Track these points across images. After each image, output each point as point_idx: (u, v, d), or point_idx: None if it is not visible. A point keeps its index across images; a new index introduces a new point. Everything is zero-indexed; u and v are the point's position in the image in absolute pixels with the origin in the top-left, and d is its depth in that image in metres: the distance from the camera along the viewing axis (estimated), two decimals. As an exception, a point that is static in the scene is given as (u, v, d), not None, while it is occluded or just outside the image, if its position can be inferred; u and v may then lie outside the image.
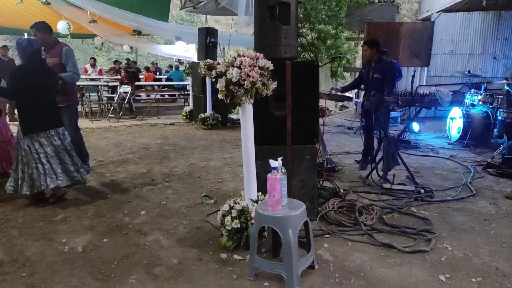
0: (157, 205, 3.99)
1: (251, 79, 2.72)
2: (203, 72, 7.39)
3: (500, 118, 6.68)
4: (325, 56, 11.03)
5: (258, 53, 2.85)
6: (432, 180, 4.81)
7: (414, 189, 4.34)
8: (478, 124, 6.78)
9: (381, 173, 4.62)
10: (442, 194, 4.28)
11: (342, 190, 4.01)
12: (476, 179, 4.85)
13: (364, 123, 5.16)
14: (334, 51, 11.22)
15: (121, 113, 9.72)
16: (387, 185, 4.42)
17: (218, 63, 2.87)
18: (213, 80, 2.90)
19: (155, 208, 3.91)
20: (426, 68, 9.51)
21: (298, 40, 10.37)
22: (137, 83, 10.79)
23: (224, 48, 11.67)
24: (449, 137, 7.31)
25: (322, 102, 9.92)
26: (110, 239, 3.22)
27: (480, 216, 3.63)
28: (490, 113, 6.79)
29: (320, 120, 5.37)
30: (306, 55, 11.51)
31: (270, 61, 2.86)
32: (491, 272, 2.58)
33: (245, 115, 2.95)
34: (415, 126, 8.05)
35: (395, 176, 4.56)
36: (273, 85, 2.92)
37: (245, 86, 2.73)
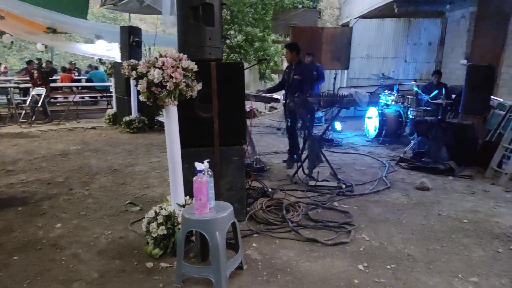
0: (75, 216, 3.70)
1: (174, 81, 2.65)
2: (126, 73, 7.04)
3: (411, 117, 7.37)
4: (253, 58, 11.23)
5: (181, 54, 2.79)
6: (352, 176, 5.13)
7: (336, 184, 4.58)
8: (392, 122, 7.40)
9: (306, 171, 4.81)
10: (361, 188, 4.58)
11: (270, 189, 4.10)
12: (390, 173, 5.28)
13: (290, 123, 5.34)
14: (262, 53, 11.45)
15: (34, 117, 8.87)
16: (312, 182, 4.62)
17: (139, 64, 2.75)
18: (134, 81, 2.77)
19: (73, 219, 3.63)
20: (346, 71, 10.13)
21: (226, 42, 10.44)
22: (52, 84, 9.93)
23: (150, 48, 11.30)
24: (367, 135, 7.86)
25: (251, 104, 10.08)
26: (21, 256, 2.92)
27: (394, 207, 3.95)
28: (402, 112, 7.46)
29: (249, 122, 5.50)
30: (234, 56, 11.62)
31: (194, 62, 2.81)
32: (404, 258, 2.83)
33: (170, 117, 2.87)
34: (338, 125, 8.55)
35: (320, 173, 4.78)
36: (198, 86, 2.88)
37: (168, 87, 2.65)
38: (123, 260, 2.87)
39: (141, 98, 2.74)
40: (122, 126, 8.15)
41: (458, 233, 3.23)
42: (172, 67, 2.64)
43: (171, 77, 2.63)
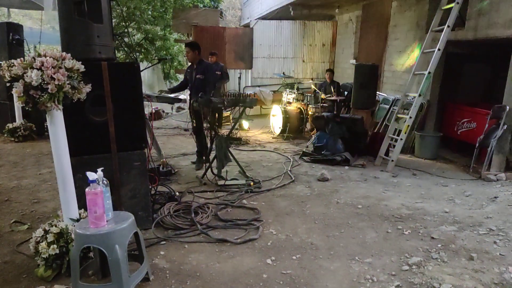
0: None
1: (56, 82, 2.37)
2: (6, 76, 6.18)
3: (310, 113, 7.86)
4: (155, 57, 10.82)
5: (64, 53, 2.51)
6: (260, 172, 5.26)
7: (245, 182, 4.64)
8: (294, 119, 7.79)
9: (215, 171, 4.78)
10: (269, 183, 4.72)
11: (177, 193, 3.97)
12: (295, 167, 5.54)
13: (195, 124, 5.25)
14: (164, 52, 11.09)
15: None
16: (221, 182, 4.61)
17: (13, 65, 2.41)
18: (8, 84, 2.42)
19: None
20: (250, 70, 10.37)
21: (124, 40, 9.84)
22: None
23: (35, 47, 10.12)
24: (273, 132, 8.16)
25: (156, 105, 9.67)
26: None
27: (298, 199, 4.15)
28: (302, 109, 7.89)
29: (154, 123, 5.26)
30: (134, 56, 11.05)
31: (81, 62, 2.56)
32: (308, 247, 2.97)
33: (54, 123, 2.57)
34: (245, 124, 8.71)
35: (228, 172, 4.79)
36: (87, 88, 2.63)
37: (49, 90, 2.36)
38: (9, 287, 2.50)
39: (18, 103, 2.41)
40: (5, 135, 7.15)
41: (354, 218, 3.52)
42: (54, 67, 2.37)
43: (53, 78, 2.35)
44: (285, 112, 7.72)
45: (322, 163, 5.74)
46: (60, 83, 2.38)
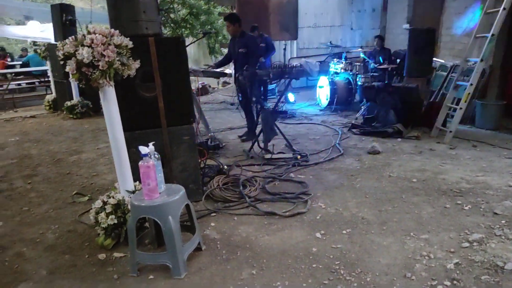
0: (17, 212, 3.42)
1: (106, 59, 2.42)
2: (59, 54, 6.50)
3: (360, 83, 7.53)
4: (200, 32, 10.83)
5: (112, 30, 2.55)
6: (307, 146, 5.17)
7: (292, 156, 4.59)
8: (342, 90, 7.51)
9: (262, 144, 4.77)
10: (316, 157, 4.63)
11: (226, 166, 4.01)
12: (343, 140, 5.38)
13: (241, 98, 5.23)
14: (208, 26, 11.06)
15: (-37, 109, 8.06)
16: (268, 156, 4.59)
17: (65, 43, 2.49)
18: (61, 62, 2.51)
19: (15, 216, 3.35)
20: (295, 41, 10.06)
21: (170, 16, 9.93)
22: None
23: (87, 27, 10.53)
24: (320, 104, 7.95)
25: (203, 80, 9.78)
26: (-44, 263, 2.65)
27: (348, 172, 4.03)
28: (351, 79, 7.58)
29: (202, 98, 5.32)
30: (180, 31, 11.15)
31: (129, 38, 2.59)
32: (358, 222, 2.89)
33: (107, 99, 2.65)
34: (291, 97, 8.56)
35: (275, 145, 4.76)
36: (136, 64, 2.67)
37: (100, 67, 2.42)
38: (73, 254, 2.70)
39: (72, 80, 2.50)
40: (64, 112, 7.63)
41: (408, 193, 3.36)
42: (103, 44, 2.41)
43: (103, 55, 2.40)
44: (332, 83, 7.45)
45: (373, 136, 5.51)
46: (110, 60, 2.43)
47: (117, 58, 2.48)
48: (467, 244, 2.42)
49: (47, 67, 9.14)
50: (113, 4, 2.99)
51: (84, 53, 2.36)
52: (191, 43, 4.33)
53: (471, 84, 5.06)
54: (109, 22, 3.07)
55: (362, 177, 3.86)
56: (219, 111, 7.95)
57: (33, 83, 10.87)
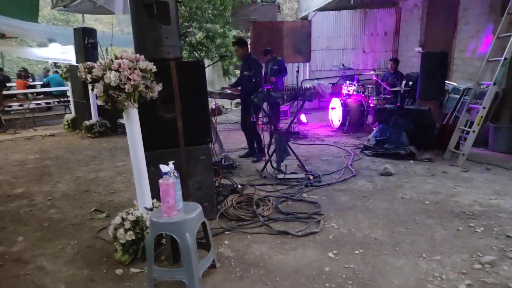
0: (38, 228, 3.55)
1: (132, 83, 2.58)
2: (83, 76, 6.77)
3: (372, 105, 7.61)
4: (216, 55, 11.14)
5: (138, 55, 2.72)
6: (319, 166, 5.23)
7: (304, 176, 4.65)
8: (354, 111, 7.59)
9: (275, 164, 4.85)
10: (328, 178, 4.68)
11: (239, 186, 4.10)
12: (356, 161, 5.43)
13: (255, 119, 5.36)
14: (223, 49, 11.37)
15: (-13, 127, 8.39)
16: (281, 176, 4.66)
17: (93, 67, 2.66)
18: (90, 86, 2.67)
19: (36, 231, 3.47)
20: (308, 64, 10.26)
21: (187, 39, 10.26)
22: (5, 92, 9.40)
23: (107, 49, 10.93)
24: (332, 125, 8.03)
25: (216, 101, 9.99)
26: (-20, 275, 2.76)
27: (360, 193, 4.07)
28: (363, 102, 7.67)
29: (214, 119, 5.49)
30: (195, 54, 11.47)
31: (153, 63, 2.75)
32: (371, 242, 2.92)
33: (131, 120, 2.79)
34: (303, 118, 8.68)
35: (288, 166, 4.84)
36: (158, 87, 2.82)
37: (126, 90, 2.58)
38: (91, 269, 2.78)
39: (98, 102, 2.66)
40: (83, 131, 7.87)
41: (421, 215, 3.38)
42: (129, 68, 2.57)
43: (129, 79, 2.56)
44: (344, 105, 7.55)
45: (385, 157, 5.55)
46: (135, 83, 2.59)
47: (142, 82, 2.63)
48: (479, 266, 2.43)
49: (67, 87, 9.49)
50: (138, 29, 3.17)
51: (111, 77, 2.52)
52: (208, 66, 4.48)
53: (484, 108, 5.09)
54: (133, 46, 3.25)
55: (374, 198, 3.89)
56: (233, 131, 8.09)
57: (50, 103, 11.22)
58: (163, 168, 2.42)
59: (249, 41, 10.35)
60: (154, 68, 2.74)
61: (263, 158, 5.37)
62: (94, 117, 7.86)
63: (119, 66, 2.57)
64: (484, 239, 2.82)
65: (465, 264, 2.48)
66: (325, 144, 6.64)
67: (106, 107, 2.70)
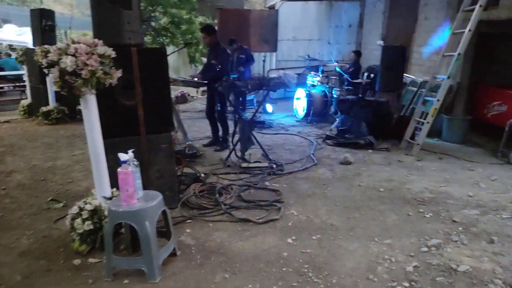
0: (-9, 218, 3.41)
1: (89, 68, 2.51)
2: (40, 60, 6.46)
3: (335, 96, 7.79)
4: (181, 41, 10.93)
5: (96, 40, 2.64)
6: (283, 155, 5.32)
7: (268, 165, 4.73)
8: (318, 102, 7.75)
9: (239, 153, 4.89)
10: (291, 166, 4.78)
11: (202, 175, 4.11)
12: (318, 150, 5.57)
13: (219, 107, 5.35)
14: (189, 36, 11.18)
15: None
16: (244, 164, 4.71)
17: (49, 51, 2.56)
18: (46, 70, 2.57)
19: (-11, 222, 3.33)
20: (274, 53, 10.31)
21: (151, 24, 9.98)
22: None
23: (66, 32, 10.44)
24: (297, 115, 8.16)
25: (182, 89, 9.82)
26: None
27: (320, 181, 4.20)
28: (327, 92, 7.84)
29: (181, 107, 5.45)
30: (161, 40, 11.22)
31: (112, 48, 2.69)
32: (328, 228, 3.05)
33: (88, 107, 2.72)
34: (269, 107, 8.75)
35: (252, 155, 4.90)
36: (118, 73, 2.76)
37: (83, 76, 2.51)
38: (48, 260, 2.72)
39: (55, 88, 2.57)
40: (40, 118, 7.53)
41: (375, 201, 3.56)
42: (87, 53, 2.50)
43: (86, 64, 2.49)
44: (309, 95, 7.68)
45: (346, 147, 5.73)
46: (93, 69, 2.52)
47: (100, 67, 2.56)
48: (425, 249, 2.61)
49: (23, 71, 9.01)
50: (98, 14, 3.07)
51: (67, 62, 2.44)
52: (172, 53, 4.44)
53: (438, 100, 5.37)
54: (92, 30, 3.15)
55: (333, 186, 4.03)
56: (197, 120, 8.02)
57: (4, 87, 10.61)
58: (122, 156, 2.40)
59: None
60: (113, 54, 2.67)
61: (226, 147, 5.40)
62: (52, 103, 7.53)
63: (76, 51, 2.49)
64: (431, 224, 3.02)
65: (413, 247, 2.66)
66: (289, 133, 6.75)
67: (63, 93, 2.62)
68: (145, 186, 3.29)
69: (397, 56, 6.02)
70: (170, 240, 2.68)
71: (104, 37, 2.91)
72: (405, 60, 6.29)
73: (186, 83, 5.03)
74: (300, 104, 8.00)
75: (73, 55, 2.49)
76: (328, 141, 6.03)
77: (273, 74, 10.42)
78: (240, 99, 8.37)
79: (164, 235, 2.76)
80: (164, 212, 2.64)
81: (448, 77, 5.33)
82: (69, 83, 2.53)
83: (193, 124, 7.57)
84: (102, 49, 2.60)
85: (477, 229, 2.84)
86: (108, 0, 3.00)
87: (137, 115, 3.23)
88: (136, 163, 2.49)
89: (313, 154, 5.31)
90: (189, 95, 11.20)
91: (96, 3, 3.06)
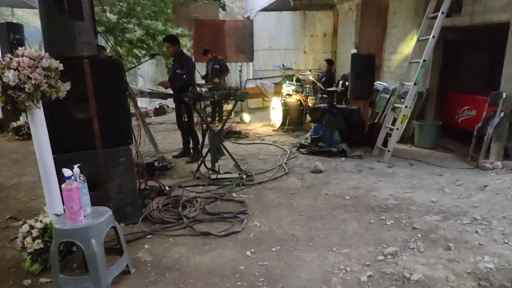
0: None
1: (33, 82, 2.43)
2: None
3: (310, 105, 7.81)
4: (156, 52, 10.89)
5: (42, 53, 2.57)
6: (255, 165, 5.28)
7: (238, 175, 4.67)
8: (294, 111, 7.76)
9: (210, 165, 4.82)
10: (262, 176, 4.74)
11: (167, 188, 4.03)
12: (291, 159, 5.55)
13: (187, 118, 5.29)
14: (164, 48, 11.13)
15: None
16: (214, 176, 4.65)
17: (-8, 65, 2.47)
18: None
19: None
20: (251, 63, 10.34)
21: (126, 35, 9.83)
22: None
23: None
24: (273, 125, 8.15)
25: (161, 100, 9.65)
26: None
27: (288, 191, 4.16)
28: (302, 101, 7.86)
29: (158, 119, 5.33)
30: (136, 51, 11.14)
31: (59, 61, 2.61)
32: (288, 239, 2.99)
33: (35, 121, 2.63)
34: (246, 117, 8.73)
35: (225, 166, 4.84)
36: (66, 86, 2.68)
37: (26, 90, 2.42)
38: (-4, 281, 2.60)
39: (-1, 103, 2.48)
40: (10, 134, 7.33)
41: (339, 210, 3.52)
42: (30, 67, 2.42)
43: (29, 78, 2.41)
44: (284, 104, 7.69)
45: (319, 155, 5.73)
46: (36, 82, 2.44)
47: (45, 81, 2.49)
48: (382, 257, 2.57)
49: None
50: (47, 25, 3.00)
51: (10, 76, 2.36)
52: (134, 67, 4.39)
53: (406, 106, 5.42)
54: (43, 43, 3.08)
55: (300, 195, 4.00)
56: (173, 132, 7.92)
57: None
58: (66, 172, 2.31)
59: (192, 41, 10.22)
60: (60, 66, 2.60)
61: (198, 159, 5.33)
62: (22, 118, 7.35)
63: (19, 65, 2.41)
64: (392, 231, 3.00)
65: (370, 256, 2.62)
66: (264, 143, 6.72)
67: (8, 107, 2.53)
68: (104, 202, 3.22)
69: (365, 64, 6.08)
70: (122, 257, 2.59)
71: (55, 49, 2.86)
72: (374, 67, 6.35)
73: (153, 95, 4.96)
74: (276, 113, 8.00)
75: (16, 69, 2.41)
76: (302, 150, 6.02)
77: (250, 84, 10.47)
78: (217, 108, 8.37)
79: (117, 252, 2.67)
80: (115, 228, 2.55)
81: (415, 84, 5.39)
82: (12, 97, 2.44)
83: (168, 136, 7.49)
84: (47, 62, 2.53)
85: (436, 236, 2.83)
86: (58, 11, 2.93)
87: (93, 128, 3.15)
88: (82, 178, 2.41)
89: (285, 163, 5.27)
90: (167, 106, 11.11)
91: (46, 14, 2.99)
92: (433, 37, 5.28)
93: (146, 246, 3.00)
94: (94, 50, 3.23)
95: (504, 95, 4.82)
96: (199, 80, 7.43)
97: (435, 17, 5.36)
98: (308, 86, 7.95)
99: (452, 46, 6.43)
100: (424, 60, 5.36)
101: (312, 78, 7.89)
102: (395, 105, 5.82)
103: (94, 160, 3.20)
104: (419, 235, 2.87)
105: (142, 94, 4.87)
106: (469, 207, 3.31)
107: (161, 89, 5.81)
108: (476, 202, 3.39)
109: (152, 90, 5.30)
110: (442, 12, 5.19)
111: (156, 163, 5.02)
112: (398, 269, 2.39)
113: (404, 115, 5.41)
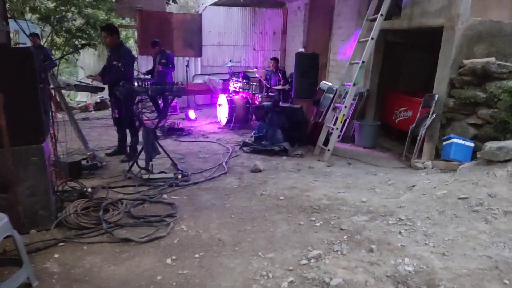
0: None
1: None
2: None
3: (257, 103, 7.72)
4: (99, 43, 10.28)
5: None
6: (194, 164, 5.07)
7: (173, 175, 4.45)
8: (240, 108, 7.62)
9: (143, 164, 4.55)
10: (199, 176, 4.55)
11: (90, 189, 3.72)
12: (232, 158, 5.41)
13: (117, 114, 4.97)
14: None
15: None
16: (146, 176, 4.39)
17: None
18: None
19: None
20: (199, 58, 10.06)
21: (64, 25, 9.14)
22: None
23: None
24: (220, 122, 7.97)
25: (102, 95, 9.10)
26: None
27: (224, 192, 4.01)
28: (248, 99, 7.75)
29: (97, 114, 4.86)
30: (76, 41, 10.46)
31: None
32: (214, 244, 2.85)
33: None
34: (192, 114, 8.47)
35: (161, 165, 4.60)
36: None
37: None
38: None
39: None
40: None
41: (272, 211, 3.43)
42: None
43: None
44: (231, 102, 7.54)
45: (261, 154, 5.64)
46: None
47: None
48: (305, 261, 2.50)
49: None
50: None
51: None
52: (62, 56, 4.01)
53: (346, 106, 5.48)
54: None
55: (235, 196, 3.86)
56: (111, 127, 7.49)
57: None
58: None
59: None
60: None
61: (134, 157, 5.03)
62: None
63: None
64: (319, 233, 2.95)
65: (294, 260, 2.54)
66: (207, 141, 6.53)
67: None
68: (12, 206, 2.89)
69: (309, 63, 6.09)
70: (22, 268, 2.30)
71: None
72: (318, 67, 6.38)
73: (81, 87, 4.59)
74: (222, 110, 7.83)
75: None
76: (245, 148, 5.90)
77: (198, 80, 10.20)
78: (163, 104, 8.02)
79: (18, 263, 2.38)
80: (12, 237, 2.26)
81: (354, 84, 5.46)
82: None
83: (105, 132, 7.07)
84: None
85: (361, 237, 2.81)
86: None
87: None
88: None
89: (226, 162, 5.12)
90: (110, 100, 10.54)
91: None
92: (372, 39, 5.38)
93: (56, 255, 2.72)
94: (4, 38, 2.88)
95: (436, 97, 5.00)
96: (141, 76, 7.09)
97: (375, 19, 5.46)
98: (255, 83, 7.85)
99: (393, 48, 6.62)
100: (363, 62, 5.45)
101: (258, 76, 7.80)
102: (336, 105, 5.88)
103: (1, 160, 2.86)
104: (345, 237, 2.84)
105: (69, 87, 4.48)
106: (395, 207, 3.35)
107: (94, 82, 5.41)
108: (403, 202, 3.44)
109: (81, 82, 4.90)
110: (381, 15, 5.29)
111: (84, 162, 4.68)
112: (320, 273, 2.32)
113: (344, 114, 5.47)
